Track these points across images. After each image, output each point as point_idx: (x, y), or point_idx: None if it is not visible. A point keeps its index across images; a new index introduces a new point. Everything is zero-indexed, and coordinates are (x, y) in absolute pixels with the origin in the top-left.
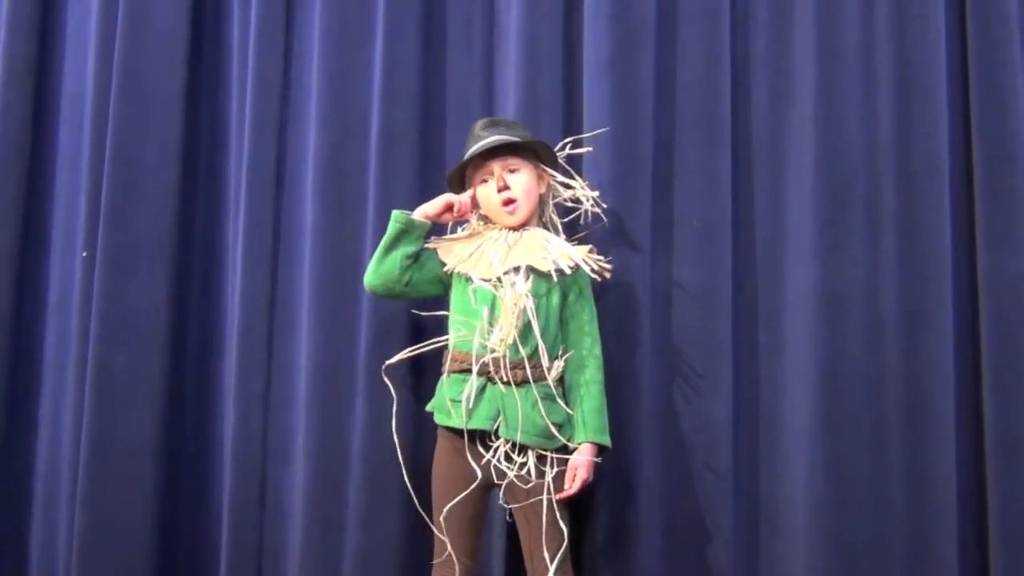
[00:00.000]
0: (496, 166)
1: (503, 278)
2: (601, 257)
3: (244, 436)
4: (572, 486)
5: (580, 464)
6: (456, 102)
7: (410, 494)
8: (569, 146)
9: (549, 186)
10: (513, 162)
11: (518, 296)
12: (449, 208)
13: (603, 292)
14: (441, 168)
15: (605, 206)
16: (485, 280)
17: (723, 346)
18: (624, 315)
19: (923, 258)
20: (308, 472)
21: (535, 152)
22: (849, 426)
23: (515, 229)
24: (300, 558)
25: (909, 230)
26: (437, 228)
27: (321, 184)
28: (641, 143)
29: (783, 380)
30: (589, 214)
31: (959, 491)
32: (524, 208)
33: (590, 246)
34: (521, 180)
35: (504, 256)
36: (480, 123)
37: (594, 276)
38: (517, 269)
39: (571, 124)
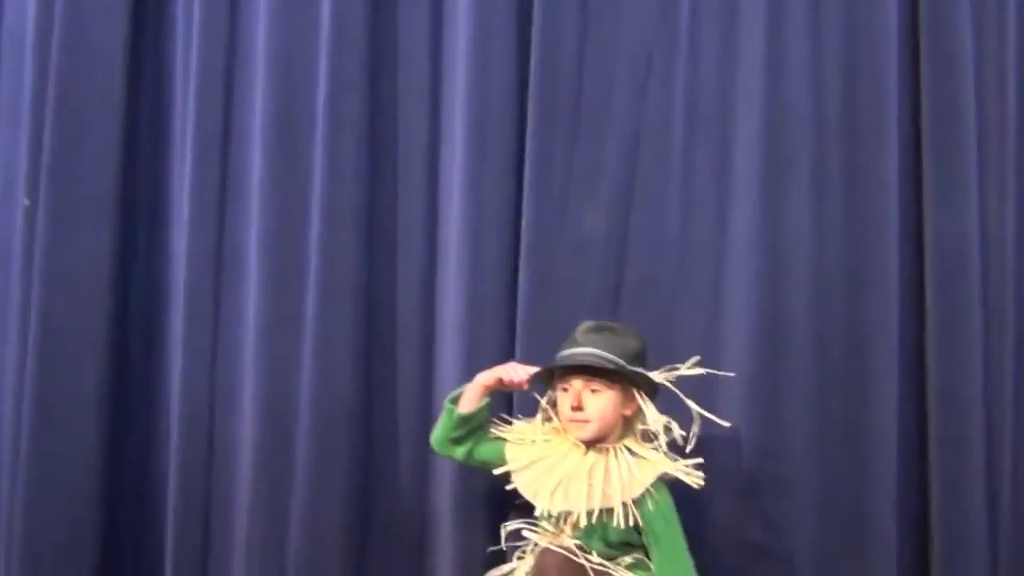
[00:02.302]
0: (578, 382)
1: (547, 525)
2: (694, 469)
3: (190, 388)
4: None
5: None
6: (406, 53)
7: (359, 445)
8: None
9: (639, 409)
10: (597, 383)
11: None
12: (500, 383)
13: None
14: (392, 120)
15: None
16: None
17: (665, 297)
18: (574, 267)
19: (868, 214)
20: (255, 423)
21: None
22: (790, 381)
23: (585, 445)
24: (248, 508)
25: (855, 186)
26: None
27: (269, 135)
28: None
29: (724, 334)
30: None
31: (899, 446)
32: (594, 429)
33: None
34: (599, 403)
35: (562, 488)
36: (584, 326)
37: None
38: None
39: (523, 71)
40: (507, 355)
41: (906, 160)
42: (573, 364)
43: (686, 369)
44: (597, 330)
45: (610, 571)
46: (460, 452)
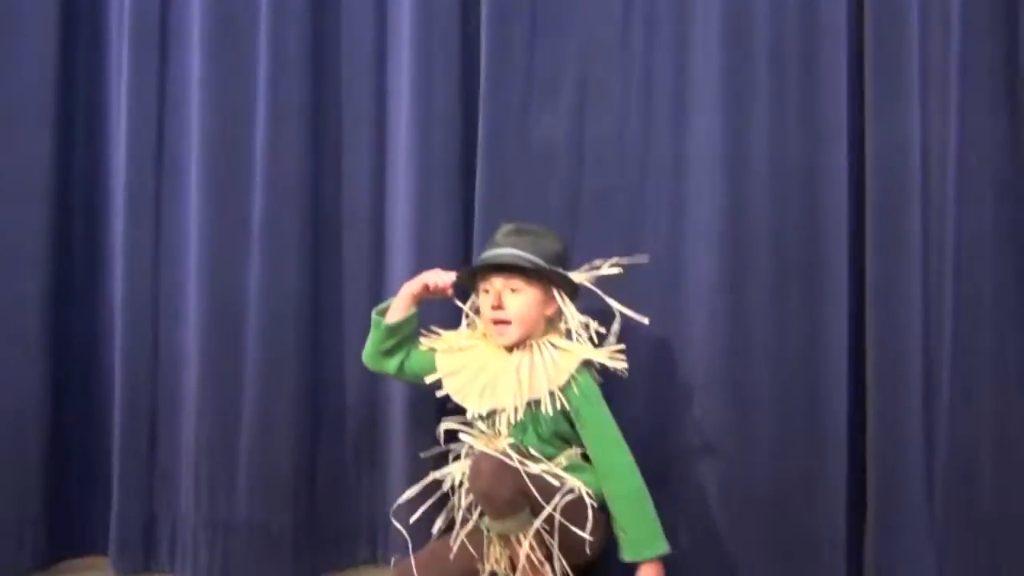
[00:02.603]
0: (499, 281)
1: (482, 425)
2: (620, 356)
3: (134, 292)
4: None
5: None
6: None
7: (308, 346)
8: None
9: (559, 311)
10: (517, 282)
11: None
12: (426, 289)
13: None
14: (336, 14)
15: (607, 332)
16: (468, 424)
17: (627, 201)
18: (533, 172)
19: (822, 114)
20: (201, 327)
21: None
22: (749, 278)
23: (509, 348)
24: (196, 413)
25: (810, 84)
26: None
27: (209, 31)
28: None
29: (685, 231)
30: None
31: (849, 343)
32: (515, 333)
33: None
34: (519, 303)
35: (489, 388)
36: (504, 228)
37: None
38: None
39: (468, 36)
40: (458, 256)
41: (854, 63)
42: (493, 264)
43: (606, 268)
44: (517, 232)
45: (543, 471)
46: (392, 365)
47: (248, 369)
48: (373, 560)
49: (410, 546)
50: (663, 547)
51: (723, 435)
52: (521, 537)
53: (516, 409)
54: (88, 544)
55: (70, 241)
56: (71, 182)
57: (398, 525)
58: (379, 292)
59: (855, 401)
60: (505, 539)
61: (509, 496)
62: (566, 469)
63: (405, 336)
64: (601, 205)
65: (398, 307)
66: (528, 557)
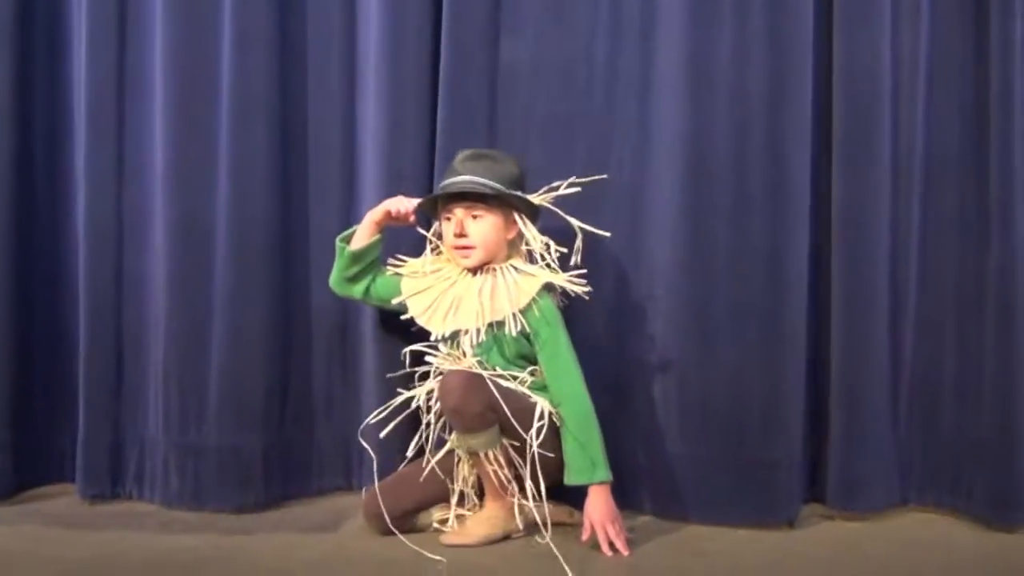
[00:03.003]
0: (460, 209)
1: (446, 348)
2: (580, 280)
3: (97, 215)
4: (600, 536)
5: (588, 513)
6: None
7: (278, 271)
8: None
9: (521, 234)
10: (478, 209)
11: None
12: (390, 214)
13: None
14: None
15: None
16: (434, 347)
17: (592, 125)
18: (494, 95)
19: (787, 37)
20: (169, 251)
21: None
22: (712, 202)
23: (473, 271)
24: (164, 337)
25: (775, 5)
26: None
27: None
28: None
29: (649, 155)
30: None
31: (810, 267)
32: (478, 256)
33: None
34: (481, 228)
35: (453, 310)
36: (462, 155)
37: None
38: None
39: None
40: (428, 180)
41: None
42: (453, 192)
43: (564, 189)
44: (475, 158)
45: (508, 380)
46: (358, 290)
47: (217, 292)
48: (347, 487)
49: (375, 466)
50: (605, 475)
51: (682, 354)
52: (490, 454)
53: (479, 330)
54: (55, 472)
55: (31, 163)
56: (31, 101)
57: (366, 445)
58: (349, 215)
59: (815, 323)
60: (474, 457)
61: (479, 410)
62: (530, 389)
63: (369, 262)
64: (567, 127)
65: (361, 234)
66: (496, 474)
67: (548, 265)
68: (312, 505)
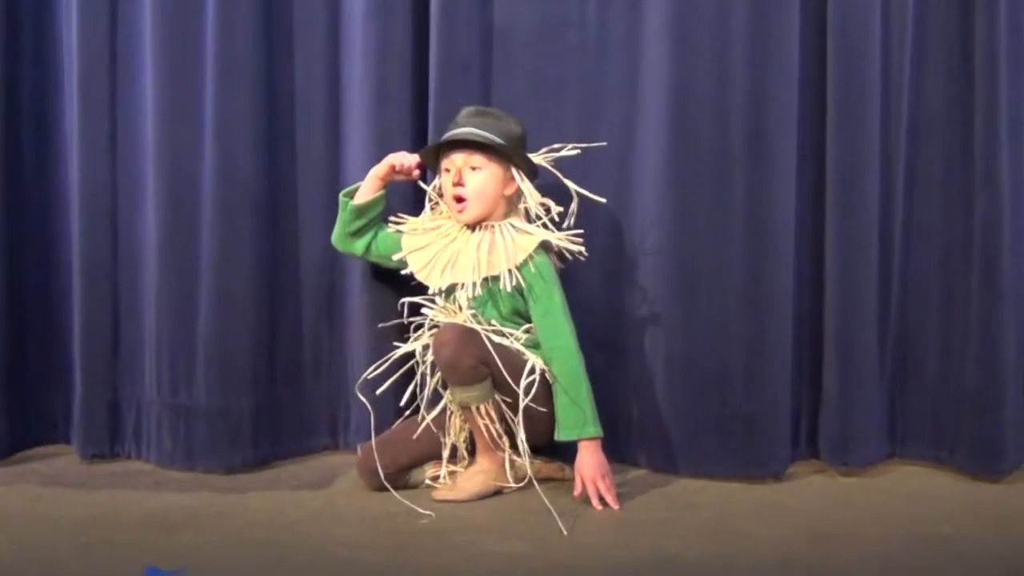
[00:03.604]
0: (459, 158)
1: (443, 302)
2: (577, 239)
3: (90, 183)
4: (591, 491)
5: (579, 469)
6: None
7: (266, 232)
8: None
9: (520, 192)
10: (477, 159)
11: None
12: (393, 169)
13: None
14: None
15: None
16: (431, 300)
17: (582, 86)
18: (486, 57)
19: None
20: (159, 216)
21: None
22: (696, 157)
23: (472, 227)
24: (155, 298)
25: None
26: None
27: None
28: None
29: (635, 111)
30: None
31: (798, 219)
32: (474, 210)
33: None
34: (478, 180)
35: (450, 265)
36: (466, 110)
37: (568, 256)
38: (466, 285)
39: None
40: (415, 141)
41: None
42: (453, 140)
43: (566, 151)
44: (479, 114)
45: (504, 335)
46: (360, 246)
47: (204, 254)
48: (335, 447)
49: (371, 421)
50: (595, 431)
51: (669, 308)
52: (482, 408)
53: (475, 284)
54: (48, 433)
55: (18, 129)
56: (19, 68)
57: (363, 399)
58: (336, 176)
59: (806, 276)
60: (466, 411)
61: (473, 363)
62: (524, 346)
63: (372, 218)
64: (557, 89)
65: (365, 189)
66: (487, 429)
67: (546, 225)
68: (303, 464)
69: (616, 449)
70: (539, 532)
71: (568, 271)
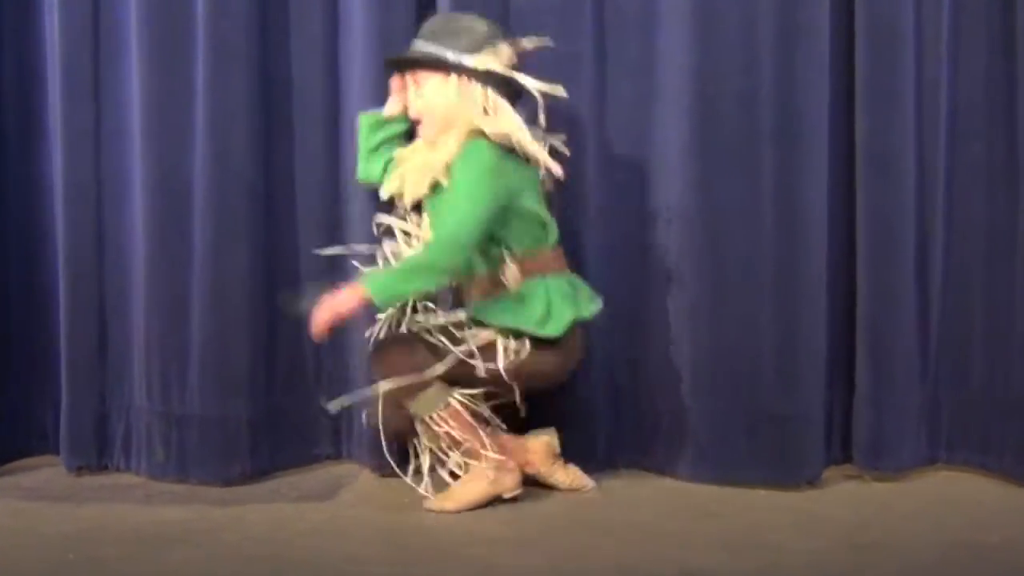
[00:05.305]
0: (407, 78)
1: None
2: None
3: (74, 176)
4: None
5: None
6: None
7: (261, 225)
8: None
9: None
10: (420, 74)
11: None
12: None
13: None
14: None
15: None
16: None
17: (597, 66)
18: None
19: None
20: (148, 210)
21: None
22: (721, 143)
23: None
24: (145, 300)
25: None
26: None
27: None
28: None
29: (657, 96)
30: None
31: (829, 209)
32: (428, 128)
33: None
34: (423, 99)
35: (400, 174)
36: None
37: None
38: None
39: None
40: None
41: None
42: (390, 64)
43: (527, 43)
44: (430, 30)
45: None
46: (378, 171)
47: (196, 252)
48: (338, 456)
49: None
50: (375, 292)
51: (695, 304)
52: (435, 416)
53: (402, 195)
54: (37, 443)
55: (1, 123)
56: (1, 62)
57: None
58: (335, 169)
59: (838, 271)
60: (423, 424)
61: (396, 427)
62: (490, 310)
63: (391, 135)
64: (571, 68)
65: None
66: (448, 435)
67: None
68: (304, 474)
69: (639, 454)
70: (555, 544)
71: (588, 266)
